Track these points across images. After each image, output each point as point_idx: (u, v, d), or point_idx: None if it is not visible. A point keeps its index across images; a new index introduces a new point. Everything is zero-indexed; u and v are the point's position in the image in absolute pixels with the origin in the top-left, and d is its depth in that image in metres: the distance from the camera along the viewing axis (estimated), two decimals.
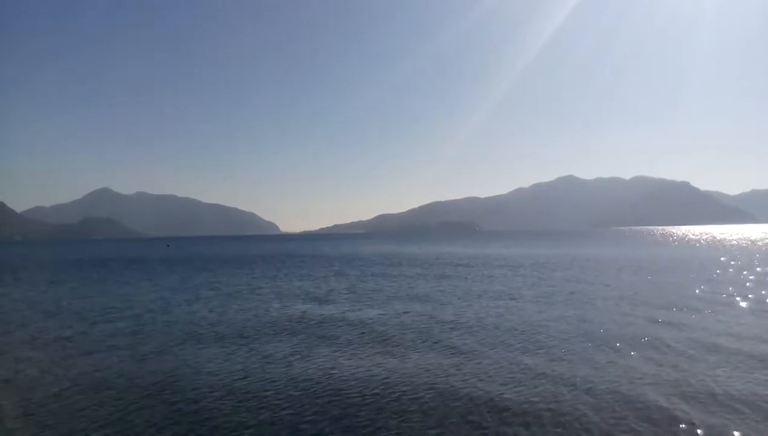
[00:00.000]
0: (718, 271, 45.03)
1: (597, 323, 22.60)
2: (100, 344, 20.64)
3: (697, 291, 32.39)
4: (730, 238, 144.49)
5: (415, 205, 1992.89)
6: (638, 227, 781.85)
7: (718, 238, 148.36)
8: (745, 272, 43.39)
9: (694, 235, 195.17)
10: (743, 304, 27.10)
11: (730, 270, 45.70)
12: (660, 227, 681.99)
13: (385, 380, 15.06)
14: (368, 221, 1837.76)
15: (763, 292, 31.63)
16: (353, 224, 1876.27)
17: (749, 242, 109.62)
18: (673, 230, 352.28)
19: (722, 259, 60.11)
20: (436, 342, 19.58)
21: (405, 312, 26.44)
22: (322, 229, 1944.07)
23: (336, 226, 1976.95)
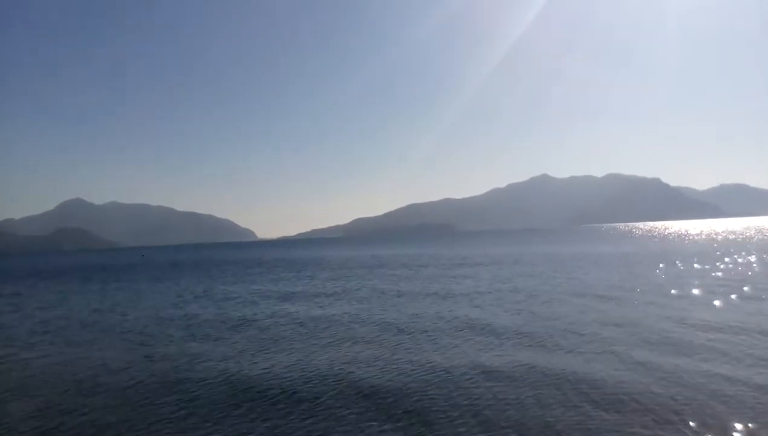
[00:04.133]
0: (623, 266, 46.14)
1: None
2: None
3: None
4: (692, 233, 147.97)
5: (392, 208, 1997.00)
6: (610, 224, 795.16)
7: (678, 233, 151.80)
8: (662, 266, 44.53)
9: (659, 230, 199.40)
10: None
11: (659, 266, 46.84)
12: (631, 223, 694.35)
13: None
14: (345, 225, 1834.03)
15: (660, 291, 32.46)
16: (330, 229, 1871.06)
17: (706, 237, 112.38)
18: (642, 226, 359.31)
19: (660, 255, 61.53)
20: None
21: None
22: (299, 234, 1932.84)
23: (313, 230, 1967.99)
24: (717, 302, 24.81)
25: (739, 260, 46.28)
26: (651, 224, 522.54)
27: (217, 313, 29.68)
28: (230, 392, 14.37)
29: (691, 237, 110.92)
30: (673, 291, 29.07)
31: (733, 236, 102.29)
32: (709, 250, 63.67)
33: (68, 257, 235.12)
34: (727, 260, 47.84)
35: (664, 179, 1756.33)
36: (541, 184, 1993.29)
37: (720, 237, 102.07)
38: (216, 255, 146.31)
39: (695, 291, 28.70)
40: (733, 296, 26.34)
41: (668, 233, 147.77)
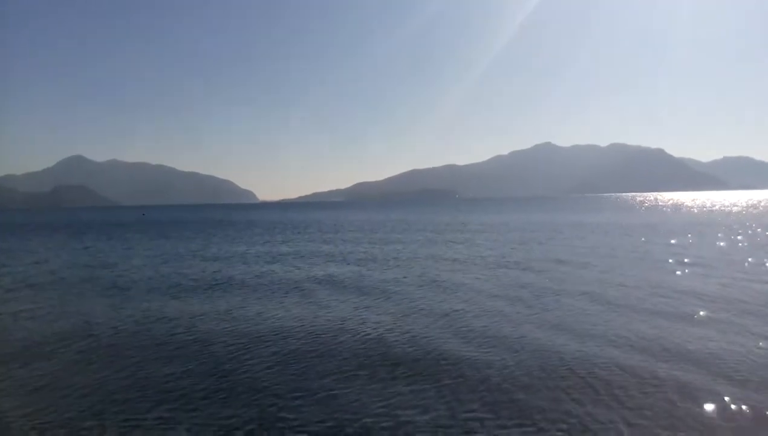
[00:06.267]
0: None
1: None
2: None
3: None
4: (690, 205, 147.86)
5: (395, 173, 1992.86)
6: (613, 194, 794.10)
7: (677, 204, 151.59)
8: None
9: (659, 201, 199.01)
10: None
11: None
12: (634, 194, 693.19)
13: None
14: (347, 189, 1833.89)
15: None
16: (332, 192, 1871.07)
17: (701, 210, 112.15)
18: (644, 196, 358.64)
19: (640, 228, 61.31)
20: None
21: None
22: (300, 197, 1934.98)
23: (315, 194, 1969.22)
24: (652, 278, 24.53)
25: (720, 237, 45.99)
26: (653, 194, 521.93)
27: (203, 271, 29.59)
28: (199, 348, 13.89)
29: (687, 209, 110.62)
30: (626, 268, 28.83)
31: (734, 209, 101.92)
32: (700, 223, 63.45)
33: (67, 213, 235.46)
34: (717, 234, 47.56)
35: (668, 150, 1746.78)
36: (545, 152, 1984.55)
37: (718, 209, 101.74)
38: (215, 216, 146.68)
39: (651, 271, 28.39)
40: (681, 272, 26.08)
41: (666, 204, 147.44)
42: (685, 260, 28.12)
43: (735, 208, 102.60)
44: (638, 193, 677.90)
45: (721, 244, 37.25)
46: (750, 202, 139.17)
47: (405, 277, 25.43)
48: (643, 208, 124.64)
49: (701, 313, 16.14)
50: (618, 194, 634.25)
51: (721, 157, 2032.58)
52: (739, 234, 44.25)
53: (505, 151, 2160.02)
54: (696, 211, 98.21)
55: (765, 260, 27.98)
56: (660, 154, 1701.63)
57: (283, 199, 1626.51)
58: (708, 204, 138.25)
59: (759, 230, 48.49)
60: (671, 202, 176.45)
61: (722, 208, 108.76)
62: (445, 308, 17.77)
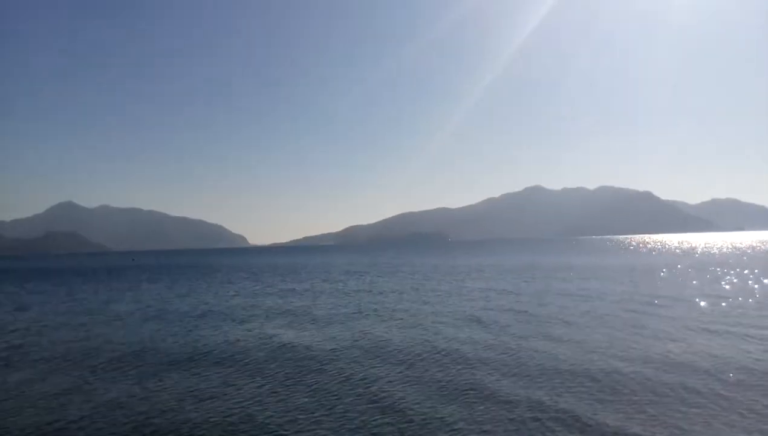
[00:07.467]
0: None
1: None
2: None
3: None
4: (677, 247, 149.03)
5: (387, 217, 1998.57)
6: (602, 236, 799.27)
7: (665, 246, 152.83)
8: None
9: (648, 243, 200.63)
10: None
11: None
12: (623, 236, 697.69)
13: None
14: (339, 233, 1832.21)
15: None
16: (323, 236, 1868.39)
17: (682, 250, 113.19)
18: (633, 239, 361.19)
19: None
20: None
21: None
22: (291, 241, 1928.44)
23: (306, 238, 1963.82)
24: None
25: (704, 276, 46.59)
26: (642, 236, 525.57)
27: (179, 325, 29.56)
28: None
29: (672, 251, 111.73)
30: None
31: (719, 251, 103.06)
32: (683, 266, 64.18)
33: (57, 260, 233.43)
34: (697, 278, 48.15)
35: (656, 193, 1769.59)
36: (535, 195, 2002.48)
37: (703, 251, 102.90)
38: (203, 261, 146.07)
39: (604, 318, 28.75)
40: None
41: (653, 247, 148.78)
42: (659, 312, 28.56)
43: (720, 251, 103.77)
44: (627, 236, 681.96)
45: (695, 282, 37.84)
46: (736, 245, 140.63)
47: (379, 341, 24.38)
48: (632, 251, 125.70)
49: (654, 381, 14.91)
50: (607, 237, 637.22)
51: (710, 199, 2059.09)
52: (718, 277, 44.91)
53: (496, 194, 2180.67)
54: (680, 253, 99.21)
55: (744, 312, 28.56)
56: (648, 196, 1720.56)
57: (274, 244, 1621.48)
58: (694, 246, 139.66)
59: (746, 272, 49.18)
60: (658, 244, 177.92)
61: (707, 250, 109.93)
62: (402, 395, 14.30)
